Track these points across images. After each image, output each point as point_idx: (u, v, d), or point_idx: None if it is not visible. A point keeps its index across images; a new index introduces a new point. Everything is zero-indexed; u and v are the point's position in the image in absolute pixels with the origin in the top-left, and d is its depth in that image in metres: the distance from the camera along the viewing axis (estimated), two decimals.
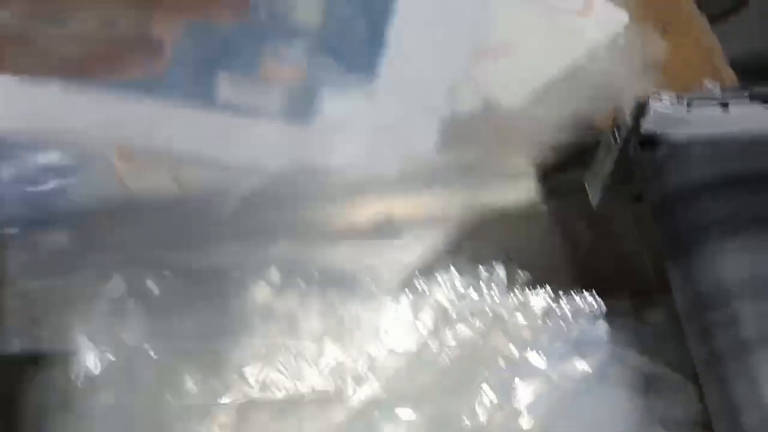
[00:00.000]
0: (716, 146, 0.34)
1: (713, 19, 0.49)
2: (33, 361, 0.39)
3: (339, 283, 0.43)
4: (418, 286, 0.43)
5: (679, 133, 0.34)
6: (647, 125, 0.35)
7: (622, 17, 0.50)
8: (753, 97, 0.35)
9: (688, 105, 0.34)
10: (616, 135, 0.37)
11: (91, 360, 0.38)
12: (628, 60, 0.48)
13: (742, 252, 0.33)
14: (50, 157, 0.44)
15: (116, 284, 0.42)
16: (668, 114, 0.34)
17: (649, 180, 0.37)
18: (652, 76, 0.47)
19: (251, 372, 0.40)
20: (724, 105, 0.33)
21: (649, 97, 0.35)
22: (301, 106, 0.44)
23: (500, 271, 0.43)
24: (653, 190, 0.37)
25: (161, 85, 0.43)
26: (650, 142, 0.36)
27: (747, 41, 0.58)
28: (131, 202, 0.44)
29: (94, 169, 0.45)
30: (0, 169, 0.44)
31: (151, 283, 0.41)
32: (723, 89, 0.35)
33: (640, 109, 0.35)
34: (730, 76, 0.47)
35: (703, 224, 0.33)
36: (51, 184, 0.44)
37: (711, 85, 0.35)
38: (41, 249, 0.43)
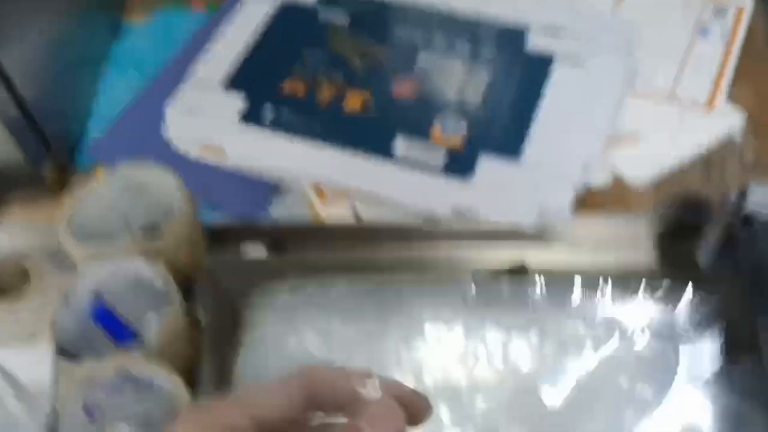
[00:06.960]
0: None
1: None
2: None
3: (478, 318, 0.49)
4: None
5: None
6: (747, 208, 0.44)
7: (739, 117, 0.58)
8: None
9: None
10: (723, 214, 0.46)
11: None
12: (739, 153, 0.56)
13: None
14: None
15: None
16: (764, 200, 0.44)
17: (746, 252, 0.46)
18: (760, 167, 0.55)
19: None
20: None
21: (749, 187, 0.44)
22: (459, 166, 0.53)
23: None
24: (749, 261, 0.45)
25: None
26: (748, 221, 0.45)
27: None
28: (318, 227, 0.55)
29: (293, 197, 0.57)
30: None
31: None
32: None
33: (743, 195, 0.44)
34: None
35: None
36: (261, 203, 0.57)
37: None
38: (243, 256, 0.54)
